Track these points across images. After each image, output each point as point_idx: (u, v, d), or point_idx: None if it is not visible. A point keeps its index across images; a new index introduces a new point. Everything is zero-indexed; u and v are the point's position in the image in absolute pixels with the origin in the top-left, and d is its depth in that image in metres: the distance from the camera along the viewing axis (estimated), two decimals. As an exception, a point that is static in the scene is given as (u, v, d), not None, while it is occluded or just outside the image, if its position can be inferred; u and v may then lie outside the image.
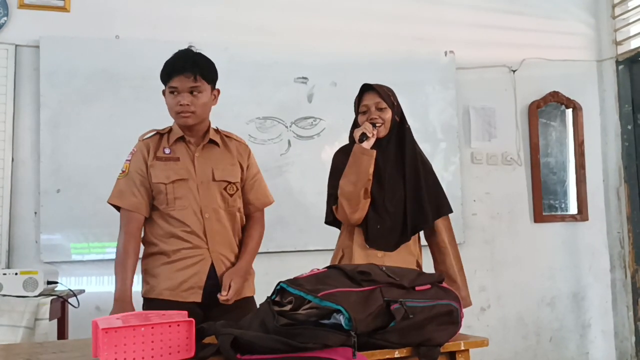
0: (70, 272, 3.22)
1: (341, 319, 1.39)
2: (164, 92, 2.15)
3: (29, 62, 3.32)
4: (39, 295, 2.59)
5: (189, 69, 2.07)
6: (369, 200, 2.24)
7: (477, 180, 4.01)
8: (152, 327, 1.38)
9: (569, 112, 4.26)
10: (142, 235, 2.17)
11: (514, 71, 4.13)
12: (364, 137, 2.21)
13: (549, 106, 4.21)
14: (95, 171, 3.22)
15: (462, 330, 1.60)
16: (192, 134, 2.17)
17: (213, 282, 2.09)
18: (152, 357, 1.37)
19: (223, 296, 2.04)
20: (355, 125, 2.36)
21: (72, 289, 2.83)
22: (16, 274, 2.58)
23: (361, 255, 2.25)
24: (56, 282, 2.79)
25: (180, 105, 2.08)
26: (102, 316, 1.60)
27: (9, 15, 3.33)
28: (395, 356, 1.48)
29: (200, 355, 1.40)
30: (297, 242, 3.56)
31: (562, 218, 4.17)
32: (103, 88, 3.37)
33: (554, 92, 4.17)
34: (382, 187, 2.27)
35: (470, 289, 2.42)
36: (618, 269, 4.20)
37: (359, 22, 3.83)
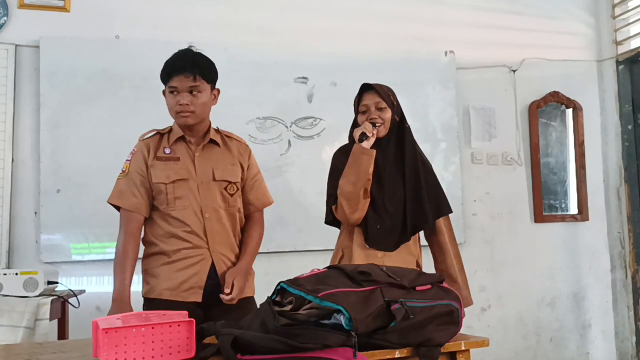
0: (71, 272, 3.22)
1: (341, 319, 1.39)
2: (164, 92, 2.15)
3: (29, 62, 3.32)
4: (39, 295, 2.59)
5: (189, 69, 2.07)
6: (368, 200, 2.24)
7: (477, 180, 4.01)
8: (152, 327, 1.38)
9: (569, 112, 4.26)
10: (142, 235, 2.17)
11: (514, 71, 4.13)
12: (363, 136, 2.21)
13: (549, 106, 4.21)
14: (95, 171, 3.22)
15: (462, 331, 1.60)
16: (192, 133, 2.17)
17: (213, 282, 2.09)
18: (152, 357, 1.37)
19: (226, 295, 2.03)
20: (355, 125, 2.36)
21: (72, 289, 2.83)
22: (16, 274, 2.58)
23: (361, 255, 2.24)
24: (56, 282, 2.79)
25: (180, 104, 2.08)
26: (103, 316, 1.60)
27: (9, 15, 3.33)
28: (396, 356, 1.48)
29: (200, 356, 1.40)
30: (297, 242, 3.55)
31: (562, 218, 4.17)
32: (103, 88, 3.37)
33: (554, 92, 4.17)
34: (382, 187, 2.27)
35: (471, 289, 2.42)
36: (618, 269, 4.20)
37: (359, 22, 3.83)
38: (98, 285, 3.27)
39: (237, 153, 2.25)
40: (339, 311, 1.39)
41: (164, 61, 2.13)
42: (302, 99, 3.69)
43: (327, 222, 2.41)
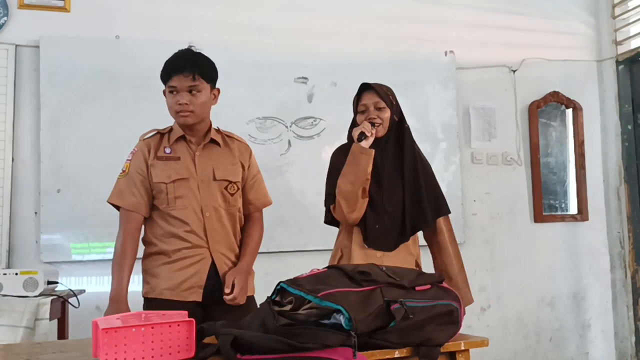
0: (71, 272, 3.22)
1: (341, 319, 1.39)
2: (164, 92, 2.15)
3: (29, 62, 3.32)
4: (39, 295, 2.60)
5: (188, 69, 2.08)
6: (366, 199, 2.23)
7: (477, 180, 4.01)
8: (152, 327, 1.38)
9: (569, 112, 4.26)
10: (142, 235, 2.17)
11: (514, 71, 4.13)
12: (362, 136, 2.21)
13: (549, 106, 4.21)
14: (95, 171, 3.22)
15: (462, 330, 1.60)
16: (192, 133, 2.17)
17: (213, 282, 2.10)
18: (152, 357, 1.37)
19: (227, 295, 2.04)
20: (354, 124, 2.35)
21: (72, 289, 2.83)
22: (16, 274, 2.58)
23: (360, 255, 2.24)
24: (56, 282, 2.79)
25: (179, 104, 2.08)
26: (102, 316, 1.60)
27: (9, 15, 3.33)
28: (395, 356, 1.48)
29: (200, 356, 1.40)
30: (297, 242, 3.55)
31: (562, 218, 4.17)
32: (103, 88, 3.37)
33: (554, 92, 4.17)
34: (381, 187, 2.27)
35: (471, 289, 2.41)
36: (618, 269, 4.20)
37: (359, 22, 3.83)
38: (98, 285, 3.27)
39: (238, 153, 2.25)
40: (338, 311, 1.39)
41: (164, 61, 2.13)
42: (302, 99, 3.69)
43: (326, 221, 2.41)
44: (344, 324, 1.38)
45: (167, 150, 2.15)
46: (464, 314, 1.60)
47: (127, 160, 2.16)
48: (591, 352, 4.14)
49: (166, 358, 1.38)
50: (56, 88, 3.30)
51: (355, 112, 2.36)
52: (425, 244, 2.42)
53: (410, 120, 2.40)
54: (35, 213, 3.26)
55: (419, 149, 2.40)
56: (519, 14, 4.17)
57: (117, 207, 2.15)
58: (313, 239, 3.48)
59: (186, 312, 1.49)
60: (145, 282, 2.16)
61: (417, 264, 2.34)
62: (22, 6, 3.35)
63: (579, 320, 4.13)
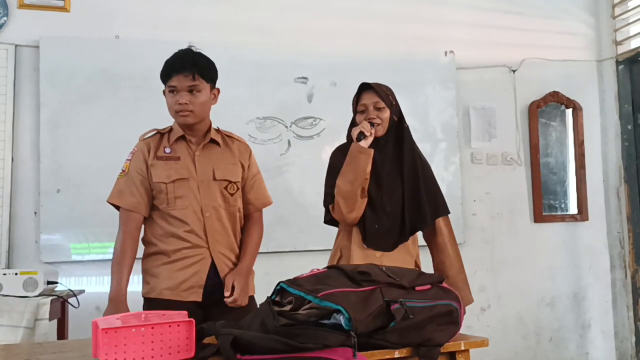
0: (70, 272, 3.22)
1: (341, 319, 1.39)
2: (164, 92, 2.15)
3: (29, 62, 3.32)
4: (39, 295, 2.59)
5: (188, 68, 2.08)
6: (365, 199, 2.23)
7: (477, 180, 4.01)
8: (152, 327, 1.38)
9: (569, 112, 4.26)
10: (142, 235, 2.17)
11: (514, 71, 4.13)
12: (361, 135, 2.21)
13: (549, 106, 4.21)
14: (95, 171, 3.22)
15: (462, 330, 1.60)
16: (192, 133, 2.17)
17: (213, 282, 2.10)
18: (152, 357, 1.37)
19: (228, 297, 2.04)
20: (353, 124, 2.35)
21: (72, 289, 2.83)
22: (16, 274, 2.58)
23: (359, 255, 2.24)
24: (56, 282, 2.79)
25: (179, 104, 2.09)
26: (102, 316, 1.60)
27: (9, 15, 3.33)
28: (395, 356, 1.48)
29: (200, 356, 1.40)
30: (297, 242, 3.55)
31: (562, 218, 4.17)
32: (103, 88, 3.37)
33: (554, 92, 4.17)
34: (380, 187, 2.27)
35: (471, 289, 2.41)
36: (618, 269, 4.20)
37: (359, 22, 3.83)
38: (98, 285, 3.27)
39: (238, 153, 2.25)
40: (338, 311, 1.39)
41: (164, 61, 2.13)
42: (302, 99, 3.69)
43: (325, 221, 2.41)
44: (343, 324, 1.38)
45: (167, 150, 2.15)
46: (464, 314, 1.60)
47: (127, 160, 2.16)
48: (591, 352, 4.14)
49: (166, 358, 1.38)
50: (56, 88, 3.30)
51: (355, 111, 2.35)
52: (425, 244, 2.42)
53: (410, 120, 2.40)
54: (35, 213, 3.26)
55: (419, 149, 2.40)
56: (518, 14, 4.17)
57: (117, 207, 2.15)
58: (313, 239, 3.48)
59: (186, 312, 1.49)
60: (145, 282, 2.16)
61: (417, 264, 2.34)
62: (22, 6, 3.35)
63: (579, 320, 4.13)
